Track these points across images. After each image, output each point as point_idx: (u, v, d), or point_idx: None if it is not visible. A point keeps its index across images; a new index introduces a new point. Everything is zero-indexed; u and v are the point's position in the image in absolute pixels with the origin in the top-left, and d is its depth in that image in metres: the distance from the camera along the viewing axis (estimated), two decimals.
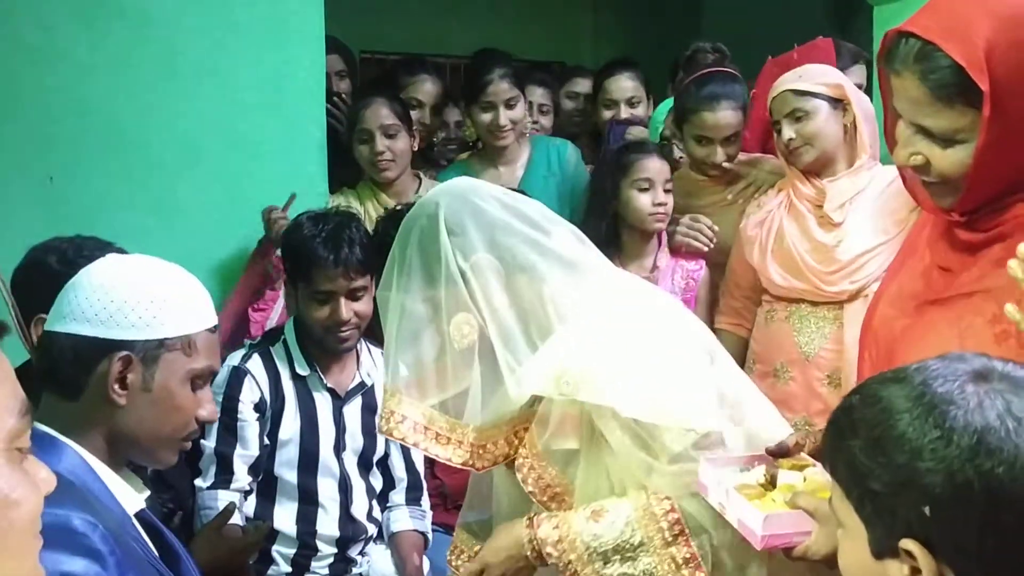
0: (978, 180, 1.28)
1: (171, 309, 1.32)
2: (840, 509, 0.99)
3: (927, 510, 0.88)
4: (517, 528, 1.55)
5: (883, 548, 0.93)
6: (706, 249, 2.59)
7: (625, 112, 3.12)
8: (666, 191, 2.54)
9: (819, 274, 2.32)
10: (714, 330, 2.55)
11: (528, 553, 1.52)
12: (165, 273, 1.37)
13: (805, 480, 1.38)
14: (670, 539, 1.47)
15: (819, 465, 1.39)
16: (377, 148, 2.69)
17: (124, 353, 1.29)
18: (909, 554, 0.90)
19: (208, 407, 1.39)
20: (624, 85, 3.17)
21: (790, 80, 2.39)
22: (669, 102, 2.93)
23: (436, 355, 1.56)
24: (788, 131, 2.34)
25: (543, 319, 1.53)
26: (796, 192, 2.40)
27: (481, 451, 1.59)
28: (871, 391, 0.97)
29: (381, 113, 2.70)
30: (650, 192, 2.53)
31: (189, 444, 1.41)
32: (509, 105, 2.84)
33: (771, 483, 1.40)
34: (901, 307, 1.42)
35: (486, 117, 2.85)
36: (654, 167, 2.55)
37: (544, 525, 1.52)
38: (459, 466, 1.60)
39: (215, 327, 1.39)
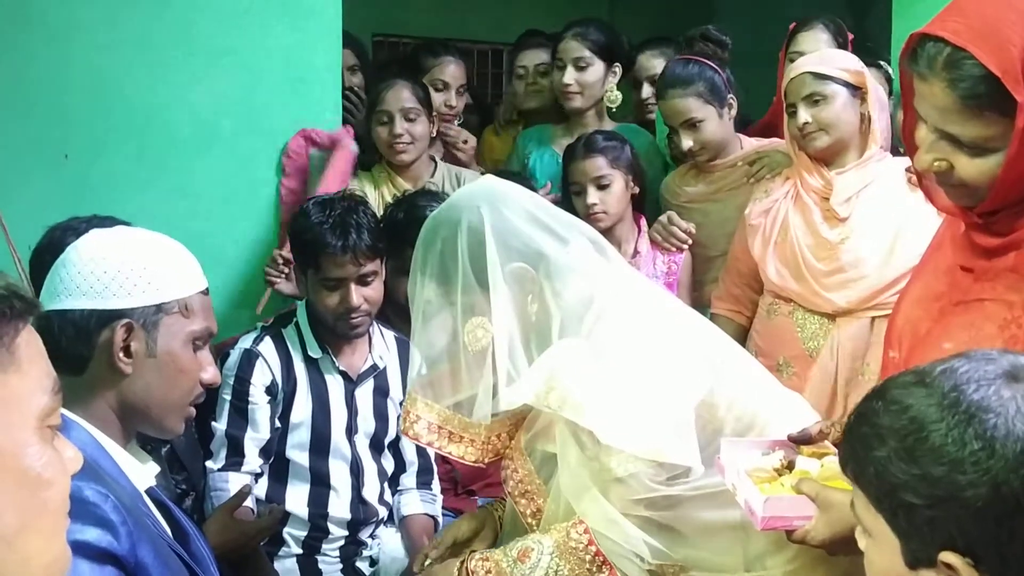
0: (1004, 188, 1.25)
1: (164, 274, 1.34)
2: (865, 517, 0.97)
3: (969, 522, 0.86)
4: (451, 567, 1.61)
5: (919, 559, 0.91)
6: (677, 251, 2.59)
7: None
8: (601, 187, 2.53)
9: (817, 275, 2.29)
10: (711, 316, 2.56)
11: None
12: (152, 241, 1.39)
13: (822, 467, 1.39)
14: (594, 570, 1.52)
15: None
16: (396, 130, 2.68)
17: (126, 321, 1.30)
18: (948, 565, 0.88)
19: (210, 369, 1.41)
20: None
21: (810, 62, 2.35)
22: None
23: (451, 357, 1.59)
24: (804, 114, 2.30)
25: (544, 331, 1.56)
26: (803, 183, 2.37)
27: (487, 445, 1.66)
28: (894, 396, 0.94)
29: (402, 96, 2.69)
30: (581, 195, 2.55)
31: (194, 411, 1.42)
32: (578, 66, 2.85)
33: (788, 468, 1.42)
34: (926, 308, 1.40)
35: (557, 76, 2.90)
36: (578, 170, 2.57)
37: (478, 571, 1.57)
38: (471, 464, 1.66)
39: (207, 289, 1.41)
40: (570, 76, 2.84)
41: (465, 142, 3.01)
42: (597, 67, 2.87)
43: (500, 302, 1.54)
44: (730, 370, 1.59)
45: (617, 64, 2.92)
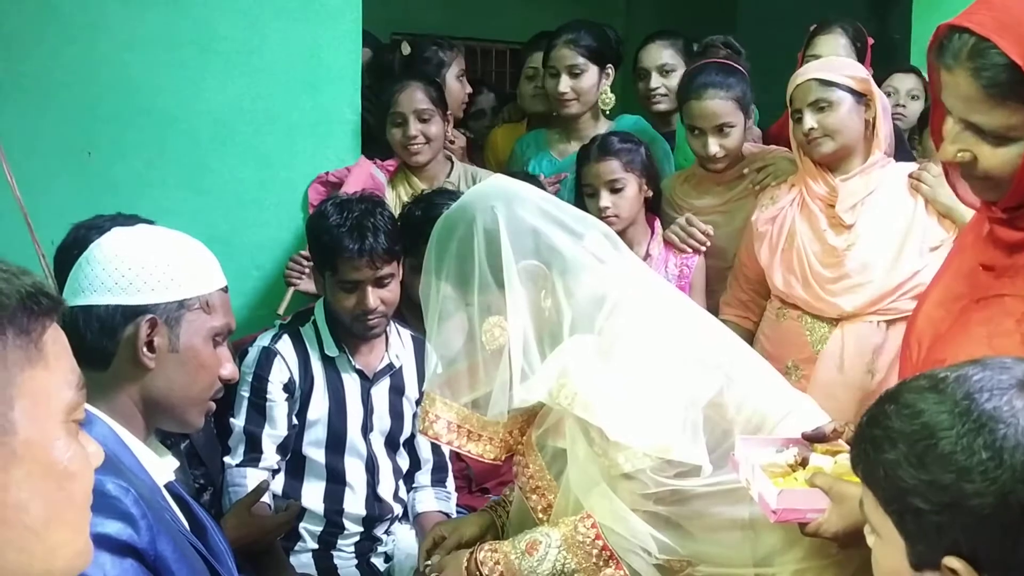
0: None
1: (186, 271, 1.36)
2: (874, 517, 0.98)
3: (975, 529, 0.87)
4: (460, 559, 1.63)
5: (924, 561, 0.92)
6: (695, 253, 2.58)
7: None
8: (614, 191, 2.52)
9: (823, 281, 2.29)
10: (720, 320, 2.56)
11: None
12: (173, 239, 1.41)
13: (836, 464, 1.40)
14: (601, 564, 1.53)
15: None
16: (410, 132, 2.68)
17: (150, 316, 1.32)
18: (952, 570, 0.89)
19: (228, 366, 1.43)
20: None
21: (816, 69, 2.35)
22: None
23: (469, 356, 1.61)
24: (809, 120, 2.30)
25: (556, 328, 1.57)
26: (808, 190, 2.37)
27: (503, 443, 1.68)
28: (907, 401, 0.94)
29: (416, 97, 2.69)
30: (594, 198, 2.54)
31: (214, 406, 1.45)
32: (572, 74, 2.84)
33: (802, 465, 1.44)
34: (948, 309, 1.41)
35: (551, 84, 2.89)
36: (592, 172, 2.56)
37: (487, 563, 1.59)
38: (490, 461, 1.68)
39: (226, 287, 1.44)
40: (564, 84, 2.83)
41: (452, 142, 3.00)
42: (591, 72, 2.85)
43: (515, 300, 1.56)
44: (740, 371, 1.60)
45: (610, 65, 2.91)
